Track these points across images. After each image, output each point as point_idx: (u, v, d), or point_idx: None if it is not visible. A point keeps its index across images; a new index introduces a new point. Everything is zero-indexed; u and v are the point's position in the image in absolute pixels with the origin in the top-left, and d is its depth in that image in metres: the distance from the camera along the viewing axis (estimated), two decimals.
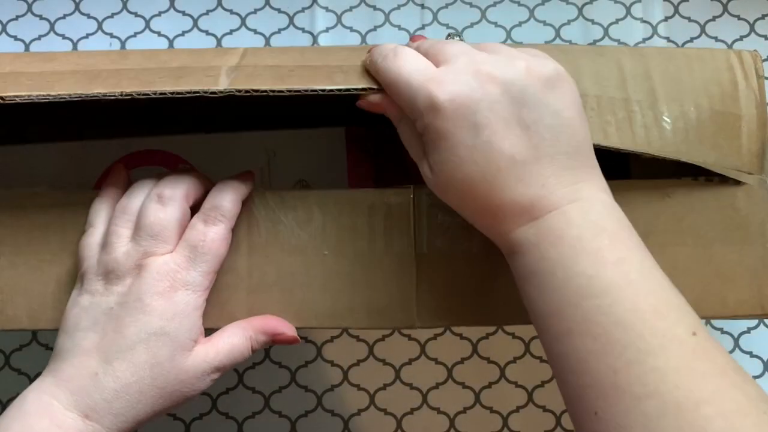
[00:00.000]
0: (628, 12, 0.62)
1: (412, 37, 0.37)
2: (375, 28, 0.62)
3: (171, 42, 0.62)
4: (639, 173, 0.44)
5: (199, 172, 0.39)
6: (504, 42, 0.61)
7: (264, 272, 0.38)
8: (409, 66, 0.34)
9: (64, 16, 0.62)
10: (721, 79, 0.39)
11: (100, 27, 0.62)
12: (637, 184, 0.39)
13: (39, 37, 0.62)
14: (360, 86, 0.36)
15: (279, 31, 0.62)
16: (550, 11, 0.62)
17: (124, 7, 0.62)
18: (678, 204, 0.39)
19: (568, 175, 0.32)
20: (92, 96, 0.35)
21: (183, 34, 0.62)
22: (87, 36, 0.62)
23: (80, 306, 0.36)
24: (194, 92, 0.35)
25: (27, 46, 0.61)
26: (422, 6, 0.62)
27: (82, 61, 0.38)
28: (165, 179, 0.37)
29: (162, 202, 0.36)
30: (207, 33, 0.62)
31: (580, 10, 0.62)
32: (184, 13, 0.62)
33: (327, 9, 0.62)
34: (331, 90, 0.35)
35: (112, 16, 0.62)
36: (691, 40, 0.61)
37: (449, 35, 0.36)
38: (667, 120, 0.38)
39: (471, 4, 0.62)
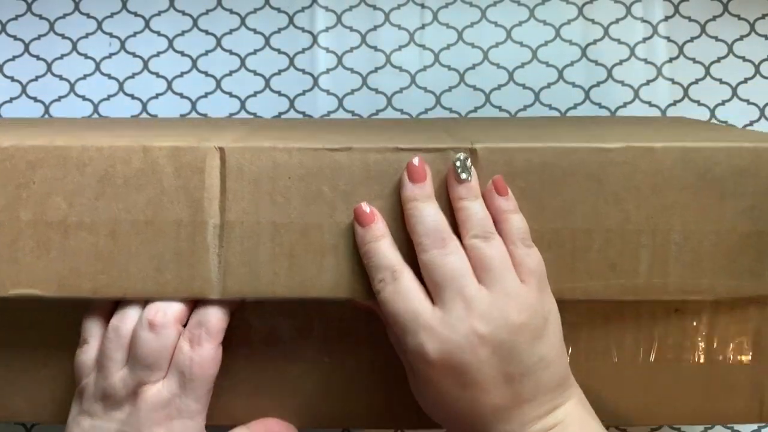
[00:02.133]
0: (629, 11, 0.62)
1: (410, 165, 0.36)
2: (375, 28, 0.62)
3: (171, 42, 0.61)
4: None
5: None
6: (504, 42, 0.61)
7: (263, 377, 0.39)
8: (404, 305, 0.34)
9: (64, 16, 0.62)
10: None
11: (99, 26, 0.62)
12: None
13: (39, 37, 0.61)
14: (353, 296, 0.36)
15: (279, 30, 0.62)
16: (550, 11, 0.62)
17: (124, 6, 0.62)
18: (687, 319, 0.39)
19: (546, 404, 0.34)
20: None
21: (183, 33, 0.62)
22: (87, 36, 0.61)
23: (81, 428, 0.36)
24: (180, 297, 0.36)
25: (27, 46, 0.61)
26: (422, 6, 0.62)
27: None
28: (155, 303, 0.37)
29: (154, 330, 0.35)
30: (207, 33, 0.62)
31: (581, 9, 0.62)
32: (183, 13, 0.62)
33: (327, 8, 0.62)
34: (325, 298, 0.36)
35: (111, 15, 0.62)
36: (692, 39, 0.61)
37: (456, 159, 0.36)
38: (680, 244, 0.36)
39: (471, 4, 0.62)
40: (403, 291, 0.34)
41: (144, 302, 0.37)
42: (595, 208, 0.36)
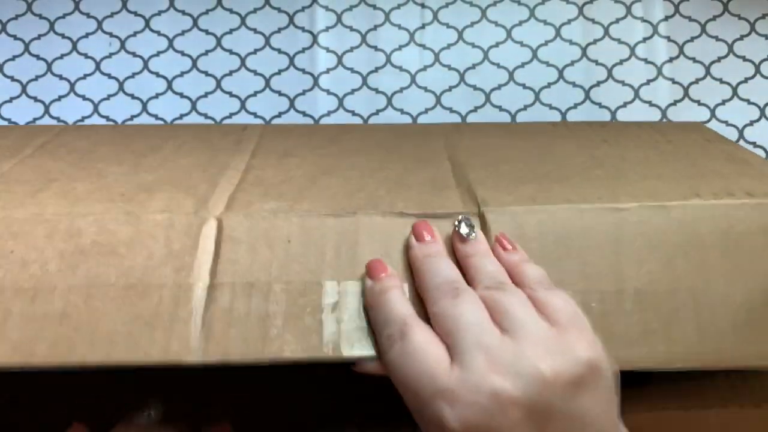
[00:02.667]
0: (629, 11, 0.62)
1: (417, 226, 0.34)
2: (375, 28, 0.62)
3: (171, 41, 0.61)
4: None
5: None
6: (504, 42, 0.61)
7: None
8: (415, 367, 0.29)
9: (64, 16, 0.62)
10: None
11: (99, 26, 0.62)
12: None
13: (39, 37, 0.61)
14: (354, 356, 0.32)
15: (279, 30, 0.62)
16: (551, 10, 0.62)
17: (124, 6, 0.62)
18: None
19: None
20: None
21: (183, 33, 0.62)
22: (87, 35, 0.61)
23: None
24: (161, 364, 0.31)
25: (27, 46, 0.61)
26: (422, 5, 0.62)
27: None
28: None
29: None
30: (207, 32, 0.62)
31: (581, 9, 0.62)
32: (183, 13, 0.62)
33: (327, 8, 0.62)
34: (322, 359, 0.31)
35: (111, 15, 0.62)
36: (692, 39, 0.61)
37: (459, 221, 0.35)
38: (724, 311, 0.32)
39: (471, 4, 0.62)
40: (413, 349, 0.29)
41: None
42: (618, 268, 0.33)
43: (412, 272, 0.33)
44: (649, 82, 0.61)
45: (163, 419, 0.33)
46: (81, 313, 0.32)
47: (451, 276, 0.31)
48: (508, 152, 0.45)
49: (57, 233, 0.34)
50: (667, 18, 0.61)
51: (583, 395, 0.28)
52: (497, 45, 0.62)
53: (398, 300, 0.31)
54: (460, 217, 0.34)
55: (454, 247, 0.34)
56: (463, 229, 0.33)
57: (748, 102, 0.60)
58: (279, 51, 0.62)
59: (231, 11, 0.62)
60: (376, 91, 0.61)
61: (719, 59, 0.61)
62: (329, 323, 0.32)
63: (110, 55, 0.61)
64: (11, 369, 0.31)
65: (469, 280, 0.32)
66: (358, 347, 0.31)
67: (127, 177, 0.40)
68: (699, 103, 0.61)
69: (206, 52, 0.61)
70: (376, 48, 0.62)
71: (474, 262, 0.32)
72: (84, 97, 0.61)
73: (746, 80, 0.61)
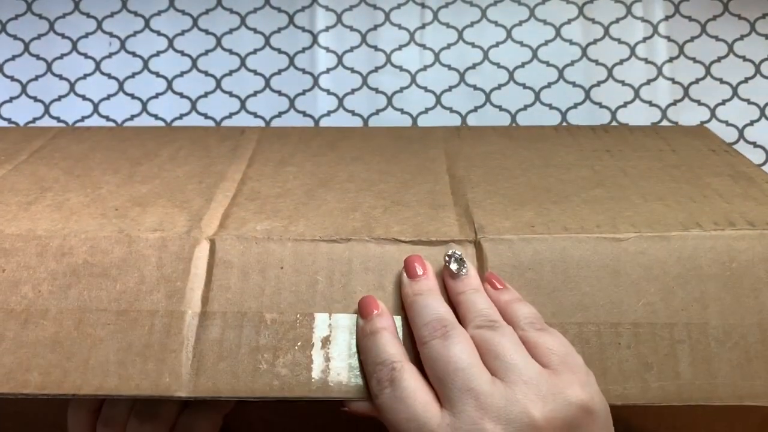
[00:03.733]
0: (629, 11, 0.62)
1: (408, 262, 0.33)
2: (375, 27, 0.62)
3: (171, 41, 0.61)
4: None
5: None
6: (504, 41, 0.61)
7: None
8: (406, 412, 0.28)
9: (64, 16, 0.62)
10: None
11: (99, 26, 0.62)
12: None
13: (39, 37, 0.61)
14: (343, 397, 0.31)
15: (279, 30, 0.62)
16: (551, 10, 0.62)
17: (124, 6, 0.62)
18: None
19: None
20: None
21: (182, 33, 0.62)
22: (87, 35, 0.61)
23: None
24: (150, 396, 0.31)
25: (27, 46, 0.61)
26: (422, 5, 0.62)
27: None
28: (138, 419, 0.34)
29: None
30: (207, 32, 0.62)
31: (581, 9, 0.62)
32: (183, 12, 0.62)
33: (327, 8, 0.62)
34: (311, 398, 0.31)
35: (111, 15, 0.62)
36: (692, 39, 0.61)
37: (449, 257, 0.33)
38: (720, 348, 0.32)
39: (471, 3, 0.62)
40: (404, 394, 0.28)
41: (132, 403, 0.34)
42: (616, 300, 0.32)
43: (404, 309, 0.32)
44: (649, 82, 0.61)
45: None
46: (73, 340, 0.32)
47: (441, 314, 0.31)
48: (508, 163, 0.44)
49: (49, 251, 0.34)
50: (667, 18, 0.61)
51: None
52: (497, 45, 0.62)
53: (388, 342, 0.30)
54: (450, 252, 0.33)
55: (446, 284, 0.33)
56: (453, 266, 0.33)
57: (748, 102, 0.60)
58: (279, 51, 0.62)
59: (231, 11, 0.62)
60: (376, 91, 0.61)
61: (719, 59, 0.61)
62: (319, 360, 0.31)
63: (110, 55, 0.61)
64: (4, 396, 0.31)
65: (460, 317, 0.31)
66: (347, 388, 0.31)
67: (121, 189, 0.40)
68: (699, 103, 0.61)
69: (206, 52, 0.61)
70: (376, 48, 0.62)
71: (465, 298, 0.32)
72: (84, 97, 0.61)
73: (746, 80, 0.61)
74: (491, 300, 0.32)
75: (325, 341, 0.32)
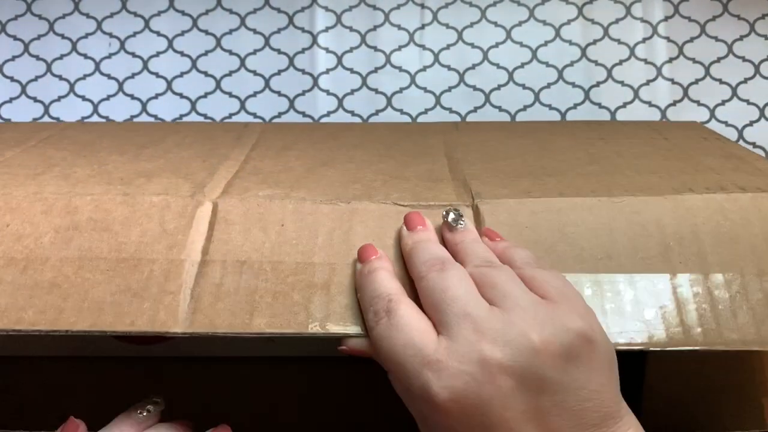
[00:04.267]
0: (628, 11, 0.62)
1: (408, 216, 0.34)
2: (375, 28, 0.62)
3: (171, 42, 0.61)
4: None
5: (163, 426, 0.34)
6: (504, 42, 0.61)
7: None
8: (403, 337, 0.28)
9: (64, 16, 0.62)
10: None
11: (99, 26, 0.62)
12: None
13: (38, 37, 0.61)
14: (340, 332, 0.31)
15: (279, 30, 0.62)
16: (550, 11, 0.62)
17: (124, 6, 0.62)
18: None
19: None
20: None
21: (182, 33, 0.62)
22: (86, 36, 0.61)
23: None
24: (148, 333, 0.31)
25: (27, 46, 0.61)
26: (422, 6, 0.62)
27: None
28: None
29: None
30: (206, 33, 0.62)
31: (580, 9, 0.62)
32: (183, 13, 0.62)
33: (327, 8, 0.62)
34: (309, 334, 0.31)
35: (111, 15, 0.62)
36: (692, 39, 0.61)
37: (447, 211, 0.34)
38: (723, 296, 0.32)
39: (471, 4, 0.62)
40: (399, 323, 0.28)
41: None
42: (613, 254, 0.33)
43: (404, 260, 0.33)
44: (648, 82, 0.61)
45: (162, 418, 0.33)
46: (71, 283, 0.32)
47: (440, 254, 0.31)
48: (505, 148, 0.45)
49: (54, 210, 0.34)
50: (666, 18, 0.62)
51: (577, 367, 0.27)
52: (497, 45, 0.62)
53: (385, 278, 0.31)
54: (448, 207, 0.34)
55: (444, 236, 0.33)
56: (451, 218, 0.33)
57: (748, 102, 0.60)
58: (279, 51, 0.62)
59: (231, 11, 0.62)
60: (376, 91, 0.61)
61: (719, 59, 0.61)
62: (317, 301, 0.32)
63: (110, 56, 0.61)
64: None
65: (459, 262, 0.31)
66: (344, 324, 0.31)
67: (127, 165, 0.41)
68: (699, 103, 0.61)
69: (206, 53, 0.61)
70: (375, 48, 0.62)
71: (463, 247, 0.32)
72: (84, 98, 0.61)
73: (746, 80, 0.61)
74: (489, 248, 0.32)
75: (324, 285, 0.32)
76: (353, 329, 0.31)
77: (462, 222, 0.33)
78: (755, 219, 0.34)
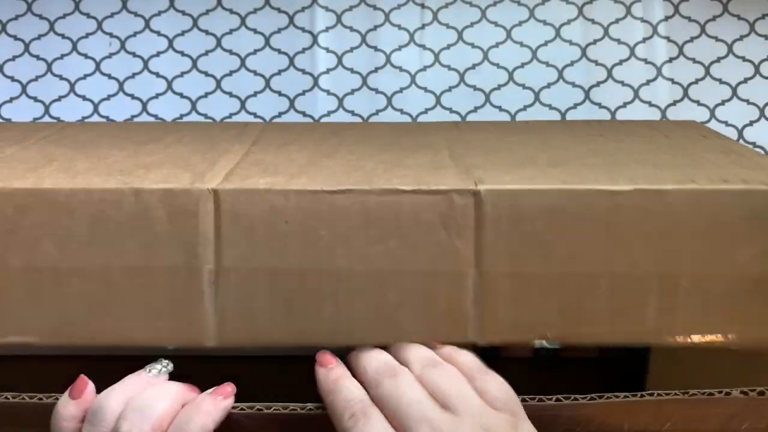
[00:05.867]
0: (628, 11, 0.62)
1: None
2: (375, 28, 0.62)
3: (171, 42, 0.61)
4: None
5: (173, 384, 0.35)
6: (504, 42, 0.61)
7: None
8: None
9: (64, 16, 0.62)
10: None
11: (99, 26, 0.62)
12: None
13: (39, 37, 0.61)
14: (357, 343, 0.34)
15: (279, 30, 0.62)
16: (550, 11, 0.62)
17: (124, 6, 0.62)
18: None
19: None
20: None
21: (183, 33, 0.62)
22: (87, 36, 0.62)
23: None
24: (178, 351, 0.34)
25: (27, 46, 0.61)
26: (422, 6, 0.62)
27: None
28: (133, 409, 0.33)
29: None
30: (207, 33, 0.62)
31: (580, 9, 0.62)
32: (183, 13, 0.62)
33: (327, 8, 0.62)
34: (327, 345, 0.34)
35: (111, 15, 0.62)
36: (692, 39, 0.61)
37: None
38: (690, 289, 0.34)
39: (471, 4, 0.62)
40: (376, 425, 0.31)
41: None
42: (603, 252, 0.34)
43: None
44: (648, 82, 0.61)
45: (170, 378, 0.34)
46: (104, 296, 0.34)
47: (387, 360, 0.33)
48: (507, 143, 0.45)
49: (58, 205, 0.34)
50: (666, 18, 0.62)
51: None
52: (497, 45, 0.62)
53: (353, 384, 0.33)
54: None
55: (359, 372, 0.34)
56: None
57: (748, 102, 0.60)
58: (279, 51, 0.62)
59: (231, 11, 0.62)
60: (376, 91, 0.61)
61: (719, 59, 0.61)
62: (328, 309, 0.34)
63: (110, 55, 0.61)
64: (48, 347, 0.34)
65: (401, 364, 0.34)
66: (356, 335, 0.34)
67: (126, 159, 0.41)
68: (699, 103, 0.61)
69: (206, 53, 0.61)
70: (375, 48, 0.62)
71: (408, 355, 0.34)
72: (84, 98, 0.61)
73: (746, 80, 0.61)
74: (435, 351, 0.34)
75: (333, 294, 0.34)
76: (361, 340, 0.34)
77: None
78: (750, 213, 0.34)
